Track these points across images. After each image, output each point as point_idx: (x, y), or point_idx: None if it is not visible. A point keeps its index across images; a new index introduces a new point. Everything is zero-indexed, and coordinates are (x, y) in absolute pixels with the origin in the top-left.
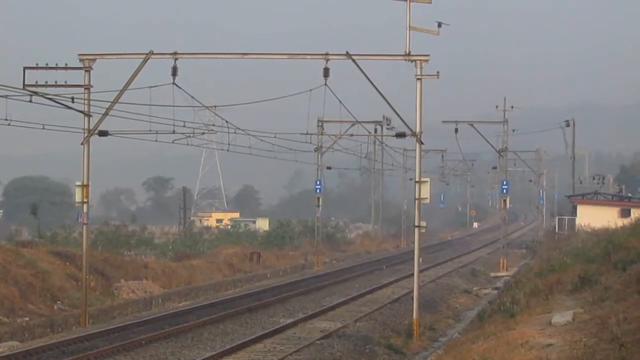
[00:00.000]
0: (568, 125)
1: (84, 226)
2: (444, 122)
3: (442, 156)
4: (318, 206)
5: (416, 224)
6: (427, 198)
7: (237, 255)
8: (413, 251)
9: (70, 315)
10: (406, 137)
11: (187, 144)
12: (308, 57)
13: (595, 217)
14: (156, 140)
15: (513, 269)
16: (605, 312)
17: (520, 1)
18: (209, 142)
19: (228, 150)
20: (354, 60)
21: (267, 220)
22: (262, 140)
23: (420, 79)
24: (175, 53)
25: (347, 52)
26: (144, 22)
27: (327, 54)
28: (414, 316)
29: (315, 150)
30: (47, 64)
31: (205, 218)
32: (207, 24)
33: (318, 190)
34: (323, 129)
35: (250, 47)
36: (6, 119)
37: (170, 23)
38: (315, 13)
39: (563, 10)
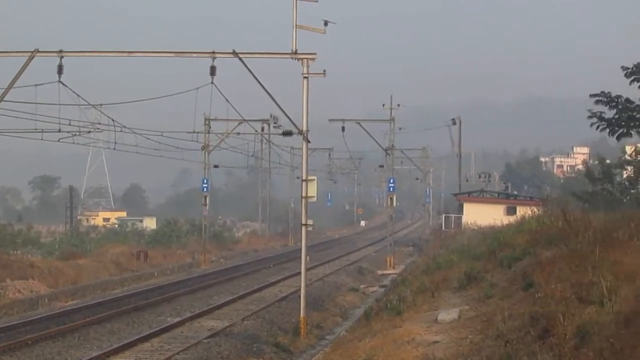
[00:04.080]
0: (455, 123)
1: None
2: (330, 120)
3: (329, 154)
4: (205, 205)
5: (303, 222)
6: (314, 196)
7: (124, 254)
8: (300, 249)
9: None
10: (293, 136)
11: (74, 143)
12: (194, 55)
13: (481, 215)
14: (42, 139)
15: (400, 266)
16: (490, 309)
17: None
18: (96, 141)
19: (114, 148)
20: (240, 59)
21: (154, 219)
22: (148, 138)
23: (307, 77)
24: (60, 51)
25: (233, 51)
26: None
27: (213, 52)
28: (301, 314)
29: (202, 149)
30: None
31: (92, 217)
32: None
33: (205, 189)
34: (210, 128)
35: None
36: None
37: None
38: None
39: (450, 10)
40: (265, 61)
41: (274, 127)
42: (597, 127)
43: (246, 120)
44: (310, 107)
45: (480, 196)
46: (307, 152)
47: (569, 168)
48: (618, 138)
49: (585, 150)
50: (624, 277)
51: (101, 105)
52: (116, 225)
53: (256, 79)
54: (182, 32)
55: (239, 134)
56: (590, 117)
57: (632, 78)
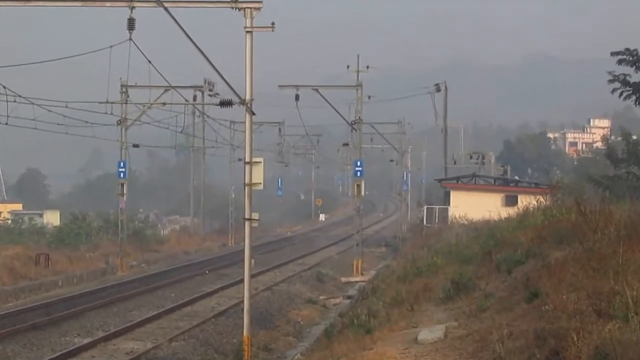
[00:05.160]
0: (439, 90)
1: None
2: (281, 86)
3: (280, 130)
4: (122, 195)
5: (247, 216)
6: (260, 183)
7: (20, 258)
8: (243, 251)
9: None
10: (233, 106)
11: None
12: (107, 4)
13: (473, 206)
14: None
15: (370, 272)
16: (485, 326)
17: None
18: None
19: (7, 123)
20: (165, 9)
21: (58, 213)
22: (50, 111)
23: (250, 31)
24: None
25: None
26: None
27: (132, 1)
28: (245, 333)
29: (118, 124)
30: None
31: None
32: None
33: (122, 175)
34: (128, 97)
35: None
36: None
37: None
38: None
39: None
40: (199, 13)
41: (209, 95)
42: (621, 93)
43: (174, 88)
44: (256, 70)
45: (472, 182)
46: (252, 127)
47: (584, 146)
48: None
49: (606, 123)
50: None
51: None
52: (9, 221)
53: (185, 33)
54: None
55: (164, 104)
56: (611, 81)
57: None
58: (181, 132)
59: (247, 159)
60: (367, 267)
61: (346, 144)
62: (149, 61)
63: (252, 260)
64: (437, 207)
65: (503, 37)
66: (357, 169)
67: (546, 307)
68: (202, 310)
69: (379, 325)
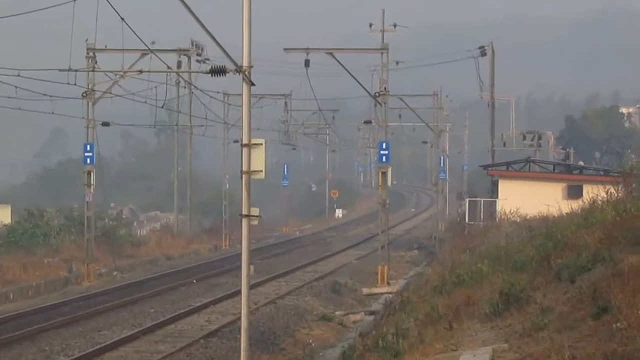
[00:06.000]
0: (484, 54)
1: None
2: (287, 50)
3: (286, 104)
4: (89, 185)
5: (244, 212)
6: (261, 171)
7: None
8: (239, 255)
9: None
10: (227, 75)
11: None
12: None
13: (527, 199)
14: None
15: (398, 282)
16: (542, 349)
17: None
18: None
19: None
20: None
21: (9, 209)
22: None
23: None
24: None
25: None
26: None
27: None
28: (242, 358)
29: (83, 97)
30: None
31: None
32: None
33: (88, 160)
34: (96, 63)
35: None
36: None
37: None
38: None
39: None
40: None
41: (198, 61)
42: None
43: (153, 52)
44: (257, 29)
45: (526, 169)
46: (250, 101)
47: None
48: None
49: None
50: None
51: None
52: None
53: None
54: None
55: (141, 72)
56: None
57: None
58: (162, 107)
59: (245, 141)
60: (394, 275)
61: (368, 122)
62: (122, 19)
63: (252, 267)
64: (481, 200)
65: None
66: (382, 152)
67: (618, 324)
68: (188, 329)
69: (410, 347)
